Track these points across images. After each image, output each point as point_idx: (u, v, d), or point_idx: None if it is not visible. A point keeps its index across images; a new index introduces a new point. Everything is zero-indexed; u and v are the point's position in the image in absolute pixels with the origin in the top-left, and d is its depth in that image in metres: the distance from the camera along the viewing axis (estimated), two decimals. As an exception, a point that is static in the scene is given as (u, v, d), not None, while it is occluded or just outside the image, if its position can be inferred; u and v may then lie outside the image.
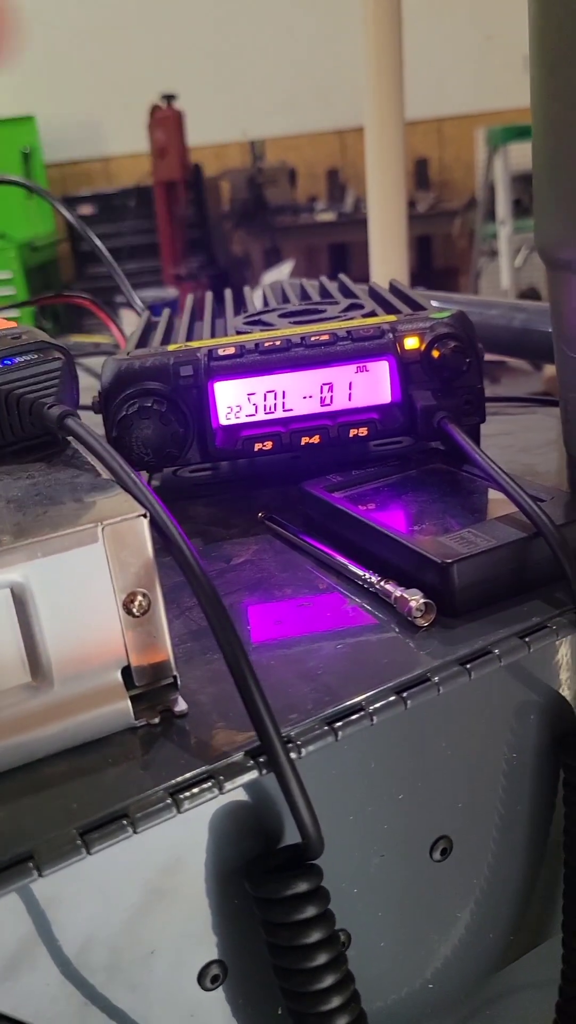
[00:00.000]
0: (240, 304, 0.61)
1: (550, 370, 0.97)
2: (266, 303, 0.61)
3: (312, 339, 0.46)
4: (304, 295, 0.61)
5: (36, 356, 0.39)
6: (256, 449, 0.46)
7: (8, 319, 0.45)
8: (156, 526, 0.30)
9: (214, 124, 4.48)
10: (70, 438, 0.36)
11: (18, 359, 0.39)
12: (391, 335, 0.46)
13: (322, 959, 0.30)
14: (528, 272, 3.69)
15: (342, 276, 0.65)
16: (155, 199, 4.21)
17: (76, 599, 0.29)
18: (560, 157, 0.42)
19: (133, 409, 0.44)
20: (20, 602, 0.28)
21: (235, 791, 0.30)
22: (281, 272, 3.36)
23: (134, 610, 0.30)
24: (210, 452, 0.46)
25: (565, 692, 0.38)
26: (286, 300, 0.61)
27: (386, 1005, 0.37)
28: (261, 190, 4.43)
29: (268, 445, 0.46)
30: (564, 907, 0.38)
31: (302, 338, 0.46)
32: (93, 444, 0.33)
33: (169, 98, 4.08)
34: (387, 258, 1.53)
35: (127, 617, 0.30)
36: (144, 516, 0.29)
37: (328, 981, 0.30)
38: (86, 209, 4.37)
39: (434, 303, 0.52)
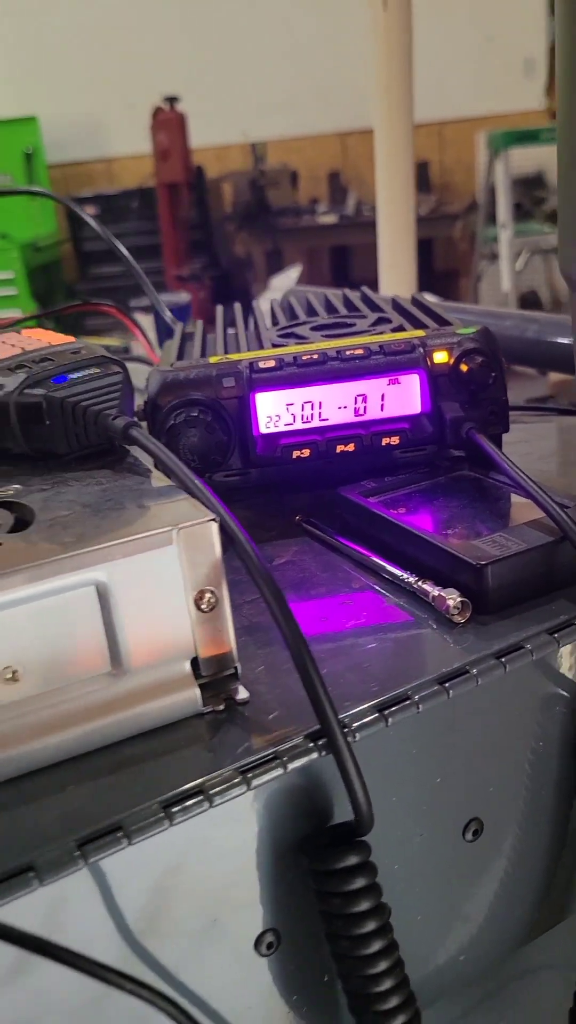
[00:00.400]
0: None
1: (555, 375, 1.00)
2: (294, 315, 0.64)
3: (347, 353, 0.49)
4: (330, 307, 0.64)
5: (97, 370, 0.41)
6: (294, 457, 0.49)
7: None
8: (223, 529, 0.33)
9: (215, 125, 4.49)
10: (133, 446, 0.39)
11: (78, 373, 0.41)
12: (421, 350, 0.49)
13: (371, 926, 0.33)
14: (528, 275, 3.72)
15: (365, 288, 0.68)
16: (158, 201, 4.23)
17: (152, 596, 0.31)
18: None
19: (180, 419, 0.47)
20: (103, 598, 0.31)
21: (289, 774, 0.32)
22: (289, 277, 3.39)
23: (203, 606, 0.32)
24: (251, 459, 0.49)
25: (589, 685, 0.41)
26: (311, 311, 0.64)
27: (420, 976, 0.39)
28: (263, 192, 4.45)
29: (306, 453, 0.49)
30: (585, 886, 0.41)
31: (337, 352, 0.49)
32: (159, 454, 0.36)
33: (172, 100, 4.10)
34: (396, 262, 1.54)
35: (197, 613, 0.32)
36: (215, 520, 0.32)
37: (376, 946, 0.33)
38: (88, 210, 4.36)
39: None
